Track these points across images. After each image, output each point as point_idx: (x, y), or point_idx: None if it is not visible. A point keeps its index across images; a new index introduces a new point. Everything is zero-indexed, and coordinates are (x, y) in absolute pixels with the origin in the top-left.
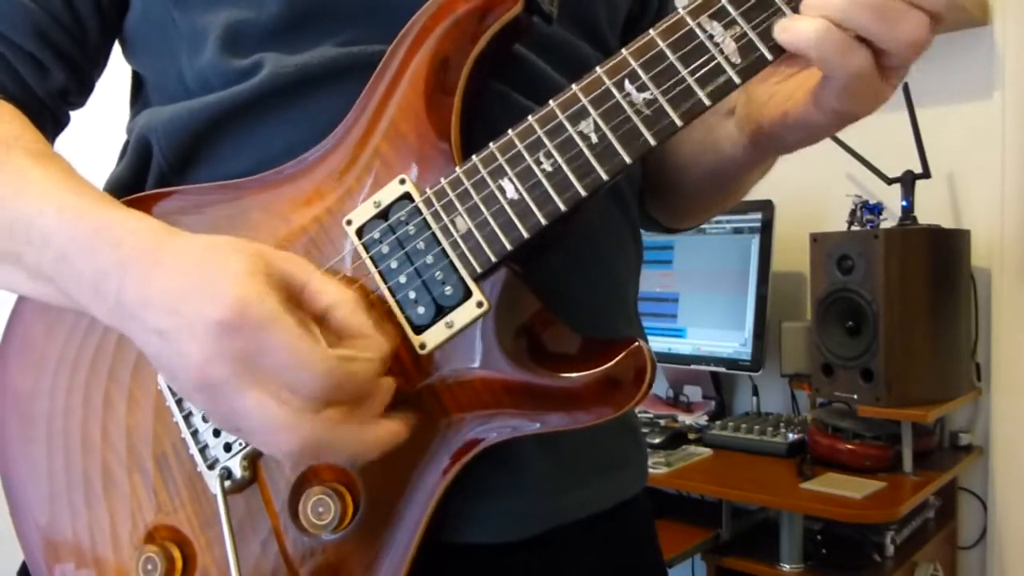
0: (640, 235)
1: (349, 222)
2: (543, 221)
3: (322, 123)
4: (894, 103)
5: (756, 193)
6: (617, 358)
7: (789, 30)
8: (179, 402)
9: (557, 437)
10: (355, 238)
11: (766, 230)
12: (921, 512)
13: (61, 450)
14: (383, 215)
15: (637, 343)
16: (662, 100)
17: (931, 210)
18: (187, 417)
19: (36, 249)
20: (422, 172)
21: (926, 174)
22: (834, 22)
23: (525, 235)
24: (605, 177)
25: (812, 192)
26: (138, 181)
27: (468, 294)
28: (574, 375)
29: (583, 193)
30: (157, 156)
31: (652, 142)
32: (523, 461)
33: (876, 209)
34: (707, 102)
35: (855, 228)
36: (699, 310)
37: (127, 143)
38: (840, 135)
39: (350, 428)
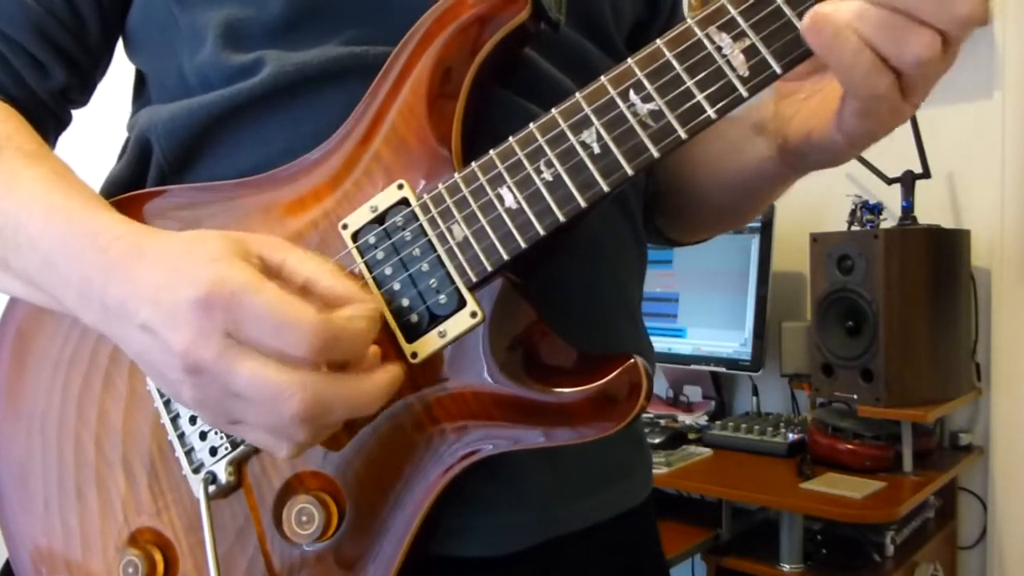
0: (644, 238)
1: (345, 226)
2: (541, 232)
3: (323, 123)
4: None
5: None
6: (612, 374)
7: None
8: (167, 403)
9: (557, 449)
10: (350, 242)
11: (766, 230)
12: (921, 512)
13: (49, 448)
14: (379, 220)
15: (633, 359)
16: (667, 112)
17: (931, 210)
18: (174, 419)
19: (23, 255)
20: (421, 178)
21: (926, 174)
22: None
23: (523, 246)
24: (607, 189)
25: (812, 192)
26: (138, 180)
27: (462, 304)
28: (568, 390)
29: (583, 205)
30: (157, 155)
31: (656, 155)
32: (520, 473)
33: (876, 209)
34: (714, 116)
35: (855, 228)
36: (699, 310)
37: (127, 140)
38: None
39: (350, 380)
